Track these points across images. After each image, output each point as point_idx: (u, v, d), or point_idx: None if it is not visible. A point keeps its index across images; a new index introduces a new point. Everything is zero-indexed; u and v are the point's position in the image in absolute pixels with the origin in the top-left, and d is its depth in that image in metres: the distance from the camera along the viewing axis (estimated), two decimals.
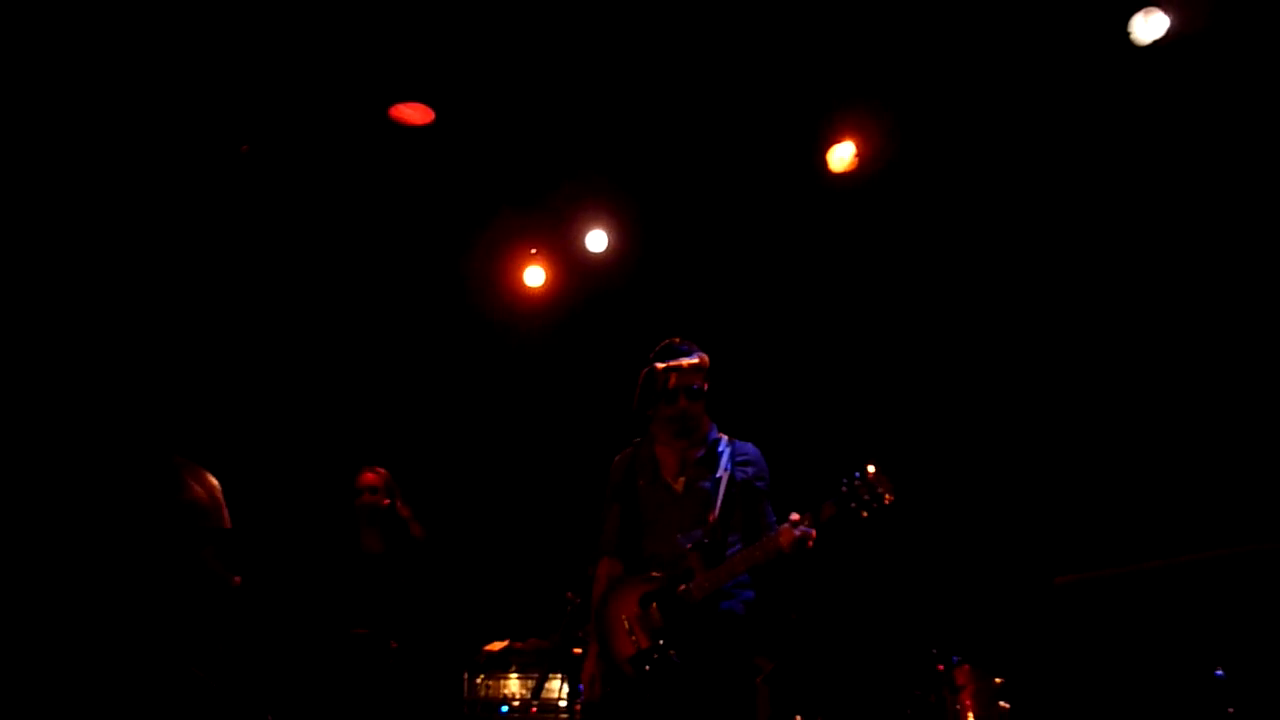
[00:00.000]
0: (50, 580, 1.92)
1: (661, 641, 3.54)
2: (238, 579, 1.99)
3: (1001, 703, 4.46)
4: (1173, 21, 4.87)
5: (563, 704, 4.99)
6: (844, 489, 3.46)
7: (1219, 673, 3.01)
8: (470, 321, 6.80)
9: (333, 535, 5.45)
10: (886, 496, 3.39)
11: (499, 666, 5.19)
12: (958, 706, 4.51)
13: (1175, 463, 4.66)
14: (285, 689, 4.84)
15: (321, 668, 5.10)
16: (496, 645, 5.27)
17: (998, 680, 4.49)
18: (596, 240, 6.57)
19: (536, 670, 5.15)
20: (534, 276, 6.78)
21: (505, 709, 5.11)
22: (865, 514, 3.40)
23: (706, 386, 3.83)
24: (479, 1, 5.05)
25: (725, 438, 3.90)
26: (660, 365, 3.50)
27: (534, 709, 5.04)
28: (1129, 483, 4.78)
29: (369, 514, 5.36)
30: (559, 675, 4.86)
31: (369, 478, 5.41)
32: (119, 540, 1.83)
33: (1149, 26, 4.95)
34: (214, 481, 2.02)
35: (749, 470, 3.78)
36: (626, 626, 3.64)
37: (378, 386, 6.60)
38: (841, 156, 5.90)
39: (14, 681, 1.72)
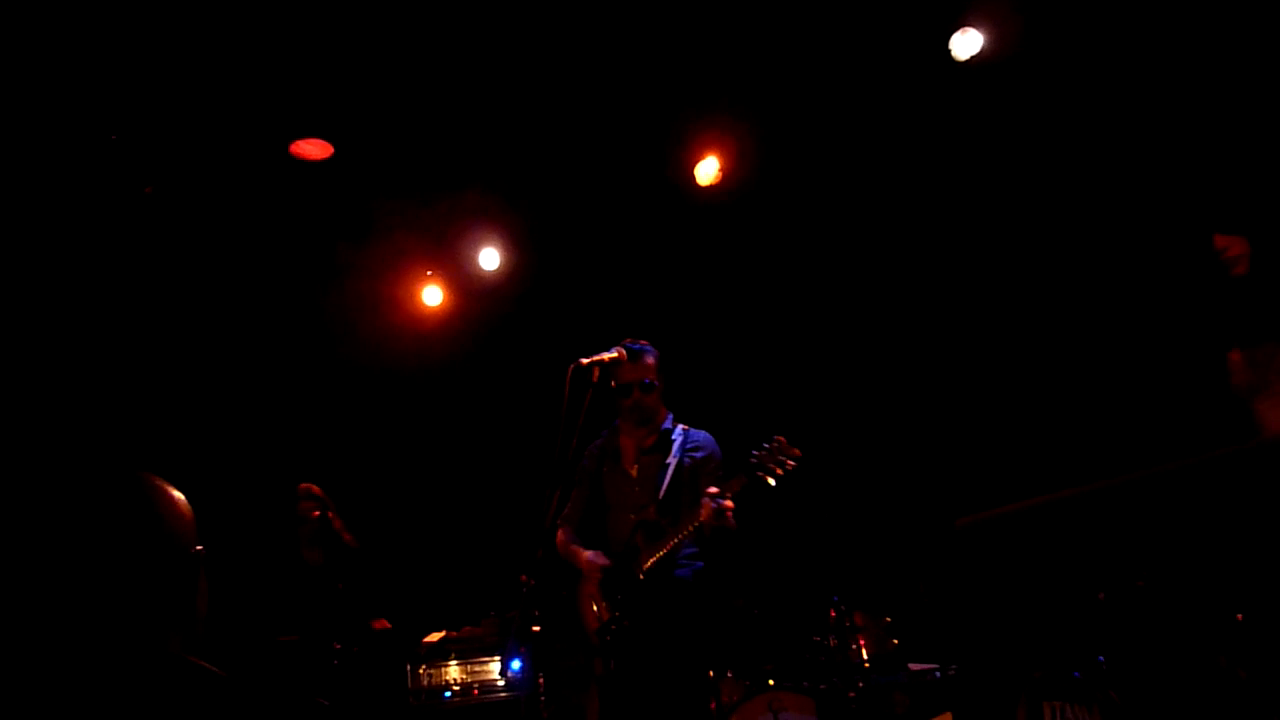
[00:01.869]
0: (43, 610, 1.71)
1: (618, 613, 3.63)
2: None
3: (893, 639, 4.61)
4: (986, 40, 5.17)
5: (500, 683, 4.97)
6: (753, 459, 3.60)
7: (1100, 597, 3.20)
8: (375, 341, 6.65)
9: (274, 550, 5.34)
10: (789, 463, 3.55)
11: (439, 656, 5.13)
12: (854, 646, 4.62)
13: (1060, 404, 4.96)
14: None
15: (266, 674, 4.95)
16: (435, 636, 5.21)
17: (888, 619, 4.64)
18: (489, 258, 6.53)
19: (481, 656, 5.11)
20: (432, 296, 6.69)
21: (448, 694, 5.05)
22: (771, 480, 3.54)
23: (658, 380, 3.93)
24: (373, 35, 4.96)
25: (681, 427, 4.00)
26: (584, 360, 3.52)
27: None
28: (1014, 425, 5.06)
29: (310, 530, 5.30)
30: (497, 657, 4.85)
31: (308, 502, 5.35)
32: (115, 566, 1.68)
33: (965, 44, 5.24)
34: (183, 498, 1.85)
35: (698, 455, 3.91)
36: (591, 601, 3.73)
37: (294, 407, 6.40)
38: (707, 171, 6.04)
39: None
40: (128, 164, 5.10)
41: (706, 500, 3.58)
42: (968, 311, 5.50)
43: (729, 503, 3.58)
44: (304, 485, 5.33)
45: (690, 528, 3.63)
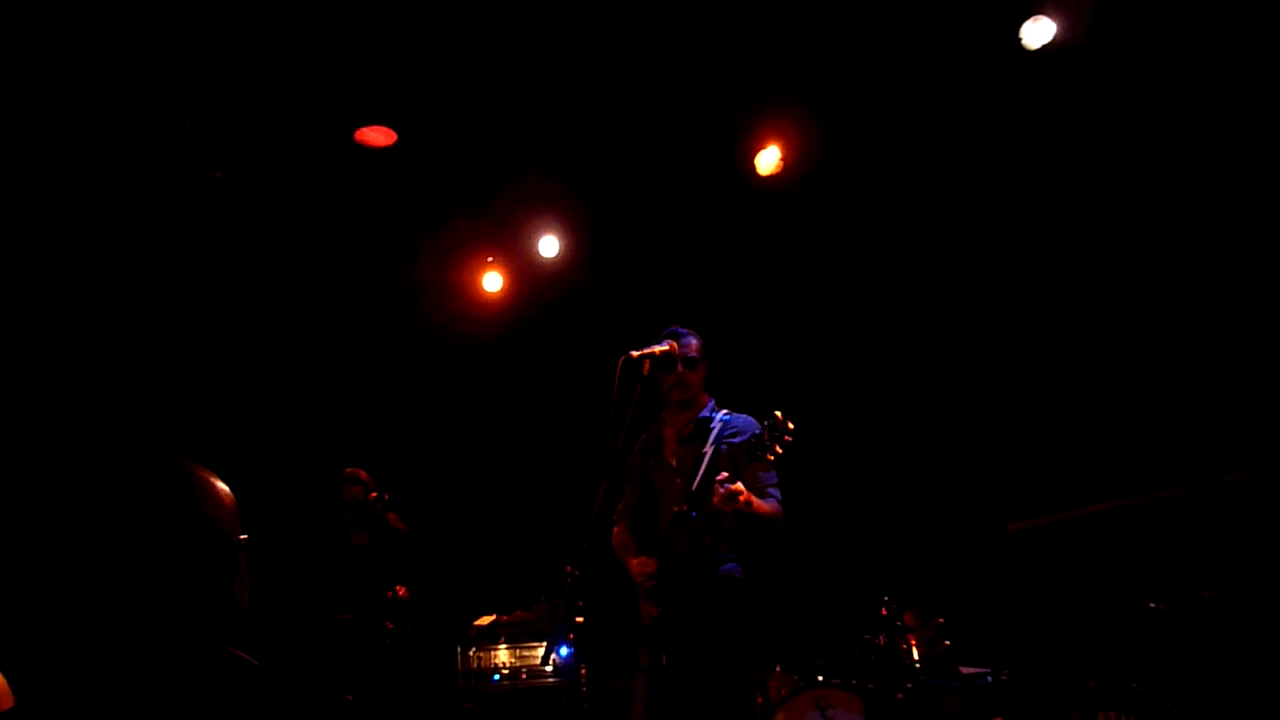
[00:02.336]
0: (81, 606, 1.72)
1: (663, 608, 3.64)
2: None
3: (945, 641, 4.51)
4: (1059, 28, 5.00)
5: (549, 669, 5.01)
6: (751, 440, 3.56)
7: (1152, 605, 3.10)
8: (435, 327, 6.73)
9: (321, 532, 5.45)
10: (786, 438, 3.49)
11: (489, 639, 5.19)
12: (904, 646, 4.53)
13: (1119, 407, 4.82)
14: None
15: (319, 653, 5.06)
16: (485, 620, 5.27)
17: (939, 620, 4.53)
18: (548, 246, 6.55)
19: (530, 640, 5.16)
20: (492, 282, 6.74)
21: (496, 677, 5.11)
22: (771, 457, 3.48)
23: (701, 358, 3.91)
24: (436, 24, 4.99)
25: (722, 412, 3.94)
26: (635, 353, 3.51)
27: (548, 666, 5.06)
28: (1072, 429, 4.93)
29: (355, 513, 5.43)
30: (546, 642, 4.88)
31: (354, 488, 5.48)
32: (156, 557, 1.68)
33: (1037, 32, 5.08)
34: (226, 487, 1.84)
35: (735, 440, 3.83)
36: (641, 597, 3.73)
37: (354, 391, 6.51)
38: (768, 161, 5.96)
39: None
40: (198, 150, 5.21)
41: (716, 485, 3.53)
42: (1031, 313, 5.35)
43: (737, 486, 3.50)
44: (350, 470, 5.50)
45: (708, 514, 3.58)
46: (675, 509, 3.78)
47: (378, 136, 5.55)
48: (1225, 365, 4.42)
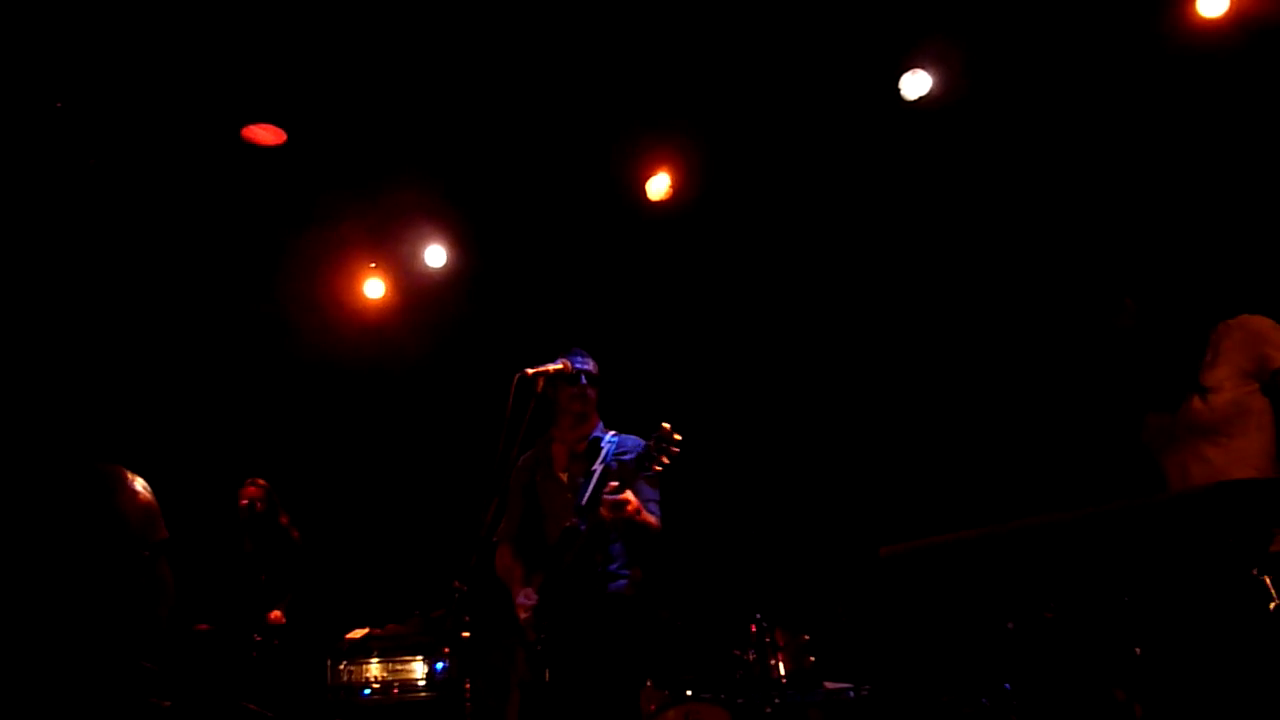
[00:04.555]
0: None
1: (547, 622, 3.65)
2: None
3: (810, 657, 4.70)
4: (934, 81, 5.34)
5: (421, 684, 4.97)
6: (641, 451, 3.67)
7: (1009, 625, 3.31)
8: (314, 330, 6.58)
9: (214, 539, 5.40)
10: (673, 449, 3.60)
11: (361, 653, 5.09)
12: (772, 661, 4.69)
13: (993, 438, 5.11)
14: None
15: (175, 662, 4.88)
16: (358, 633, 5.18)
17: (805, 637, 4.72)
18: (435, 255, 6.51)
19: (403, 654, 5.10)
20: (374, 289, 6.65)
21: (367, 691, 5.02)
22: (658, 468, 3.59)
23: (595, 387, 3.97)
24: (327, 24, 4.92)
25: (611, 433, 4.03)
26: (530, 371, 3.56)
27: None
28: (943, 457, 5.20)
29: (250, 521, 5.44)
30: (420, 657, 4.85)
31: (250, 490, 5.40)
32: (65, 560, 1.65)
33: (915, 84, 5.41)
34: (147, 486, 1.82)
35: (626, 458, 3.91)
36: (525, 613, 3.72)
37: (236, 399, 6.31)
38: (658, 187, 6.11)
39: None
40: (73, 137, 4.98)
41: (605, 495, 3.61)
42: (909, 344, 5.65)
43: (626, 495, 3.60)
44: (250, 478, 5.46)
45: (595, 522, 3.65)
46: (565, 524, 3.84)
47: (266, 135, 5.44)
48: (1084, 411, 4.79)
